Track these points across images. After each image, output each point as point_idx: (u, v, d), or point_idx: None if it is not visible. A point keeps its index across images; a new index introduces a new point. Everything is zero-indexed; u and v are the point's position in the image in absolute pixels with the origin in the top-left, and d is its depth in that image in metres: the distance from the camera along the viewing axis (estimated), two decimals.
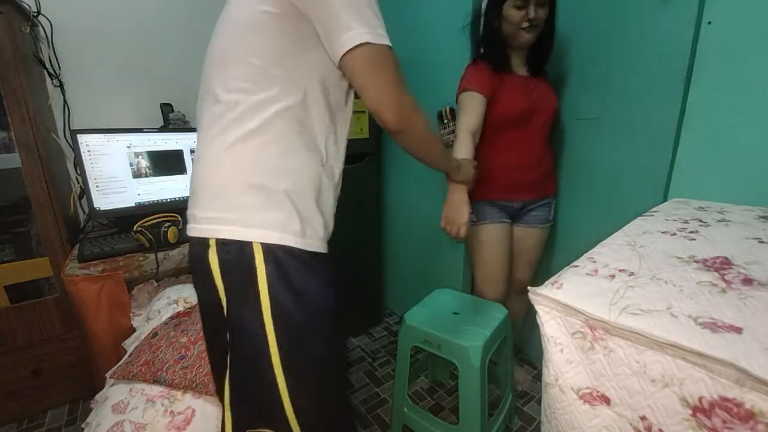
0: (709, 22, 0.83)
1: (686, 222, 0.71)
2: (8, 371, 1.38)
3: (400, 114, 0.64)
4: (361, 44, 0.58)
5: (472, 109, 1.18)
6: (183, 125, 1.63)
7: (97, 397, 1.03)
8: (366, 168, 1.79)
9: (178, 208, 1.44)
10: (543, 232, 1.40)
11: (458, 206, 1.03)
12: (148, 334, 1.07)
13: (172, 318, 1.14)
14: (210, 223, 0.62)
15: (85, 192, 1.35)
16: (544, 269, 1.48)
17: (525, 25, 1.13)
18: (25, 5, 1.34)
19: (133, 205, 1.43)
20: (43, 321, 1.39)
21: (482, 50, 1.26)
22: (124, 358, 1.05)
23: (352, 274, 1.81)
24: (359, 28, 0.57)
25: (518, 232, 1.39)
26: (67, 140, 1.51)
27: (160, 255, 1.24)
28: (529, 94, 1.24)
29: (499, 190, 1.29)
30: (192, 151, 1.50)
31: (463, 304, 1.27)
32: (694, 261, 0.54)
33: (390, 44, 0.61)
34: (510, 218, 1.35)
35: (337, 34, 0.58)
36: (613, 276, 0.52)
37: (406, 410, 1.24)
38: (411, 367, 1.39)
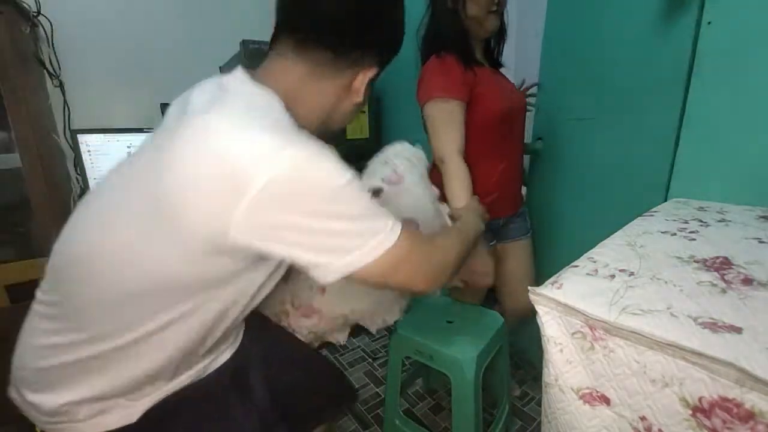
0: (709, 22, 0.83)
1: (686, 222, 0.71)
2: (8, 372, 1.37)
3: (434, 286, 0.60)
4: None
5: (454, 123, 0.98)
6: None
7: None
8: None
9: None
10: (529, 243, 1.29)
11: (481, 255, 0.91)
12: None
13: None
14: None
15: (84, 192, 1.35)
16: (543, 269, 1.48)
17: (493, 8, 0.99)
18: (25, 5, 1.34)
19: None
20: None
21: (438, 44, 1.04)
22: None
23: None
24: (338, 255, 0.51)
25: (504, 251, 1.26)
26: (67, 140, 1.51)
27: None
28: (505, 90, 1.09)
29: (490, 208, 1.09)
30: None
31: (458, 312, 1.20)
32: (694, 261, 0.54)
33: (400, 226, 0.53)
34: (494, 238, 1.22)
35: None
36: (613, 276, 0.52)
37: (397, 422, 1.22)
38: (405, 372, 1.38)
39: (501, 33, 1.11)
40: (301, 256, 0.50)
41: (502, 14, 1.05)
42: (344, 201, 0.50)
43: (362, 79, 0.61)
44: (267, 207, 0.46)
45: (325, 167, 0.48)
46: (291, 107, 0.56)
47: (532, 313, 1.07)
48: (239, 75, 0.57)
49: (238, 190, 0.45)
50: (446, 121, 0.98)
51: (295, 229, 0.48)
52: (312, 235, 0.49)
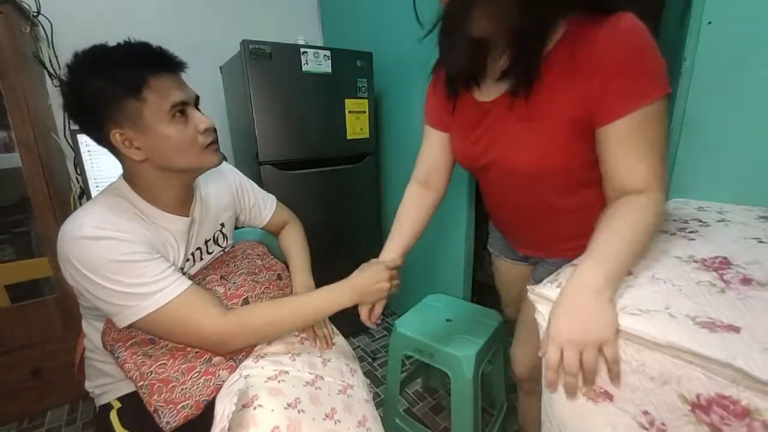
0: (709, 22, 0.83)
1: (686, 222, 0.71)
2: (8, 371, 1.38)
3: (229, 340, 0.68)
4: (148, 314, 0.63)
5: (424, 147, 0.85)
6: None
7: None
8: (366, 168, 1.79)
9: None
10: None
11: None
12: None
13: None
14: None
15: (85, 192, 1.35)
16: None
17: None
18: (25, 5, 1.34)
19: None
20: (43, 321, 1.39)
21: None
22: None
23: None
24: (118, 314, 0.64)
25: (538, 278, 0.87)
26: (67, 140, 1.51)
27: None
28: (481, 137, 0.71)
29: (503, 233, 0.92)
30: None
31: (457, 311, 1.21)
32: (693, 261, 0.54)
33: (160, 305, 0.63)
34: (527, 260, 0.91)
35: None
36: None
37: (397, 421, 1.22)
38: (405, 372, 1.38)
39: (518, 42, 0.59)
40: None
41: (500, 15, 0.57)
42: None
43: (118, 138, 0.64)
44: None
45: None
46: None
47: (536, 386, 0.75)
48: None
49: None
50: (422, 143, 0.86)
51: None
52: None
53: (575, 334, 0.46)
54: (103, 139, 0.65)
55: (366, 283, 0.78)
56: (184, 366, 0.67)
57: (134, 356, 0.66)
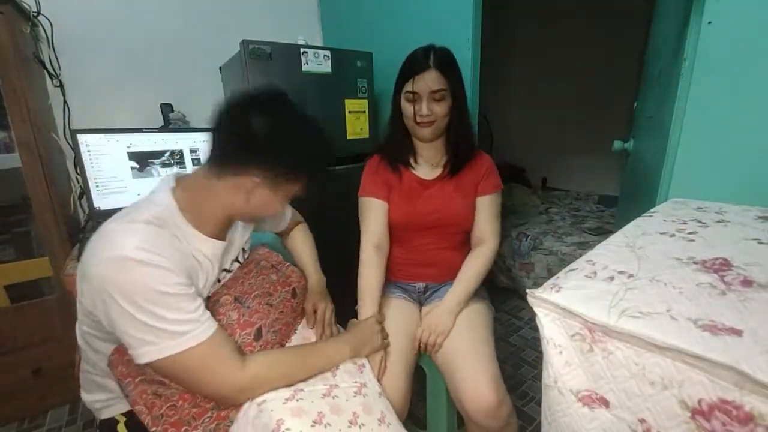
0: (709, 22, 0.83)
1: (685, 223, 0.71)
2: (9, 371, 1.38)
3: (242, 394, 0.66)
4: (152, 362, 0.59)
5: (371, 217, 1.05)
6: (183, 125, 1.63)
7: None
8: None
9: None
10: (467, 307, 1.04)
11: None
12: None
13: None
14: None
15: (85, 192, 1.35)
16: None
17: (418, 119, 0.99)
18: (25, 5, 1.34)
19: None
20: (44, 321, 1.40)
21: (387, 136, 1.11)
22: None
23: (351, 273, 1.81)
24: (137, 349, 0.58)
25: (425, 313, 1.08)
26: (67, 140, 1.51)
27: None
28: (416, 200, 1.05)
29: (394, 272, 1.13)
30: (192, 151, 1.50)
31: None
32: (693, 262, 0.54)
33: (179, 350, 0.58)
34: (416, 302, 1.13)
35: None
36: (612, 278, 0.52)
37: None
38: None
39: (458, 141, 1.04)
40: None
41: (455, 119, 1.01)
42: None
43: (250, 184, 0.66)
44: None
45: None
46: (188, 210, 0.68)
47: (499, 420, 0.82)
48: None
49: None
50: (364, 214, 1.07)
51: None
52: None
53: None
54: (229, 165, 0.66)
55: (364, 335, 0.89)
56: (194, 410, 0.64)
57: (144, 396, 0.63)
